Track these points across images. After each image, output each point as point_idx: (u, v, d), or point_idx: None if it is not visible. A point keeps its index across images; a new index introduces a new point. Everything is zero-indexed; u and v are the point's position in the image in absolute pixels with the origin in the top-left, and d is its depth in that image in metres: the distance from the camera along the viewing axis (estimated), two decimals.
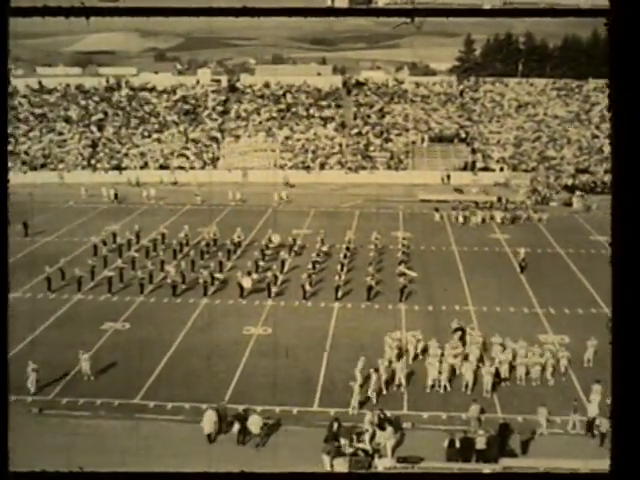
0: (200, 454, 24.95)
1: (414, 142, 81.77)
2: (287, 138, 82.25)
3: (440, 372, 30.37)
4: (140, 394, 30.01)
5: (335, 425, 25.74)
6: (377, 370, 29.54)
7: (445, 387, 30.26)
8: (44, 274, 42.53)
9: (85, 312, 39.24)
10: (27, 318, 38.29)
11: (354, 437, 25.44)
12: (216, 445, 26.35)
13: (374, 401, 28.69)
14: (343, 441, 25.08)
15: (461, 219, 58.92)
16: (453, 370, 31.07)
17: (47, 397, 29.75)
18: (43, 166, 78.37)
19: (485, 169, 77.17)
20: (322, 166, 77.45)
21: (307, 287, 41.11)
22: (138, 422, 27.89)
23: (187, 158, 79.10)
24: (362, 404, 28.67)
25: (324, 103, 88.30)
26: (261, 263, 45.50)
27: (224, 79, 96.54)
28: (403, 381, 30.34)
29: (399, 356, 32.13)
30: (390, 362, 31.32)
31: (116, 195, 66.24)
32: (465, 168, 77.16)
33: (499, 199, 65.05)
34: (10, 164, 76.68)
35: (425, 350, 32.76)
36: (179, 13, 6.25)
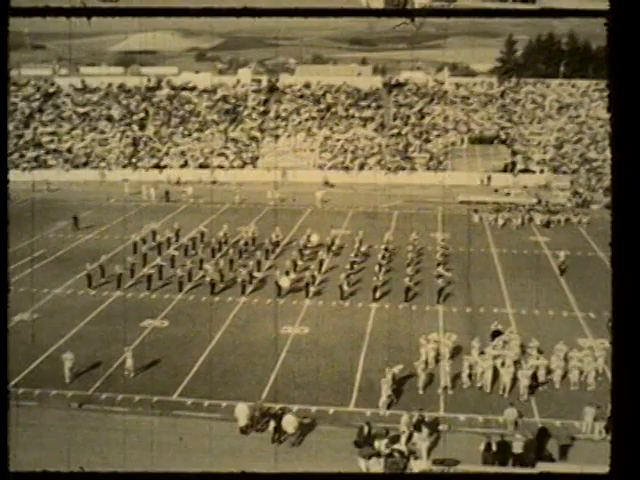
0: (235, 452, 25.12)
1: (454, 143, 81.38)
2: (326, 138, 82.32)
3: (482, 373, 30.35)
4: (178, 391, 30.26)
5: (366, 428, 25.70)
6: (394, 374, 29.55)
7: (483, 387, 30.12)
8: (85, 271, 43.08)
9: (124, 309, 39.60)
10: (68, 314, 38.91)
11: (389, 438, 25.40)
12: (251, 443, 26.48)
13: (385, 411, 28.45)
14: (377, 443, 25.05)
15: (501, 221, 58.51)
16: (492, 372, 30.89)
17: (86, 392, 30.12)
18: (85, 164, 79.31)
19: (525, 171, 76.53)
20: (361, 166, 77.41)
21: (345, 287, 41.12)
22: (175, 419, 28.16)
23: (227, 157, 79.51)
24: (389, 406, 28.64)
25: (364, 103, 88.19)
26: (299, 263, 45.59)
27: (264, 79, 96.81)
28: (449, 383, 30.23)
29: (437, 358, 32.02)
30: (426, 364, 31.27)
31: (167, 193, 66.71)
32: (505, 170, 76.60)
33: (539, 201, 64.52)
34: (53, 162, 77.90)
35: (458, 352, 32.59)
36: (179, 13, 6.29)
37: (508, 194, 68.15)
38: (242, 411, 27.13)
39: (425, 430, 25.84)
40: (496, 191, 69.49)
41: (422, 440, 25.60)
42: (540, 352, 31.79)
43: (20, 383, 31.03)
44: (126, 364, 31.38)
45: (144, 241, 49.56)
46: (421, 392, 29.95)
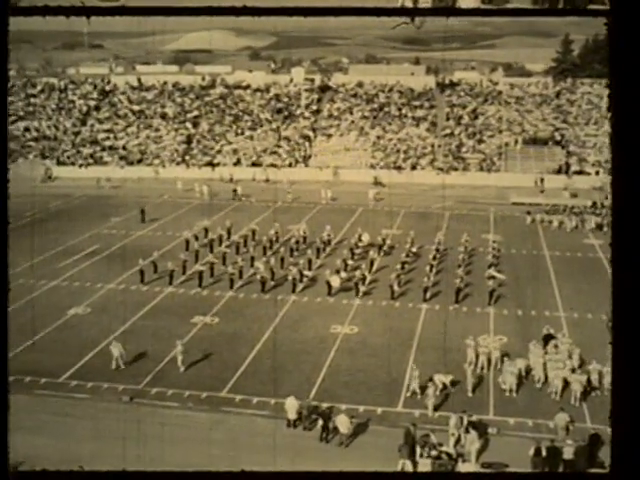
0: (283, 449, 25.19)
1: (507, 144, 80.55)
2: (379, 138, 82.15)
3: (534, 377, 30.14)
4: (227, 387, 30.47)
5: (412, 429, 25.57)
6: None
7: (534, 391, 29.83)
8: (138, 266, 43.62)
9: (176, 305, 40.05)
10: (120, 309, 39.41)
11: (435, 440, 25.26)
12: (299, 441, 26.55)
13: (431, 414, 28.21)
14: (423, 446, 24.91)
15: (556, 223, 57.75)
16: (544, 377, 30.58)
17: (138, 386, 30.50)
18: (140, 161, 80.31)
19: (580, 173, 75.42)
20: (413, 166, 77.06)
21: (395, 287, 41.00)
22: (224, 415, 28.36)
23: (279, 156, 79.80)
24: (437, 408, 28.48)
25: (417, 103, 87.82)
26: (350, 262, 45.55)
27: (317, 78, 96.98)
28: (510, 386, 29.98)
29: (489, 360, 31.78)
30: (475, 366, 31.07)
31: (235, 191, 67.00)
32: (559, 171, 75.59)
33: (594, 204, 63.48)
34: (109, 159, 79.00)
35: (506, 356, 32.25)
36: (179, 13, 6.31)
37: (561, 196, 67.23)
38: (292, 405, 27.30)
39: (473, 433, 25.65)
40: (542, 192, 68.58)
41: (471, 443, 25.41)
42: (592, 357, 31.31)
43: (73, 376, 31.58)
44: (178, 360, 31.65)
45: (196, 238, 49.97)
46: (470, 394, 29.73)
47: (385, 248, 49.51)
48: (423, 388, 29.14)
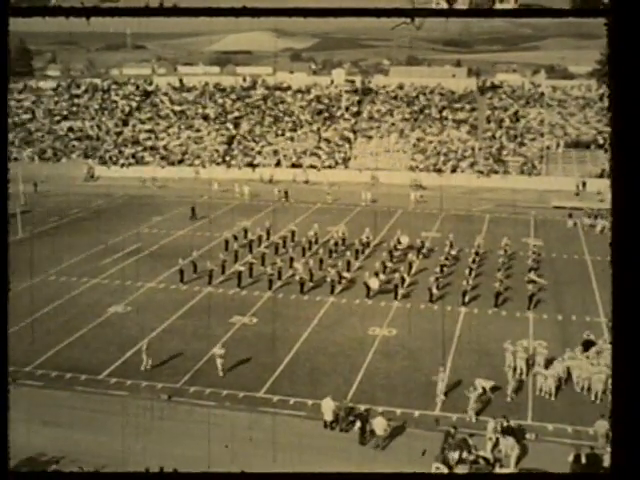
0: (319, 451, 25.23)
1: (549, 147, 79.82)
2: (419, 140, 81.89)
3: (575, 383, 29.93)
4: (264, 388, 30.57)
5: (452, 432, 25.44)
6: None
7: (575, 397, 29.53)
8: (177, 266, 43.95)
9: (214, 305, 40.23)
10: (160, 307, 39.78)
11: (472, 444, 25.10)
12: (335, 442, 26.55)
13: (473, 419, 27.95)
14: (460, 450, 24.76)
15: (598, 227, 57.05)
16: (586, 383, 30.27)
17: (176, 385, 30.73)
18: (180, 161, 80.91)
19: None
20: (453, 169, 76.71)
21: (434, 290, 40.83)
22: (261, 415, 28.46)
23: (319, 157, 79.90)
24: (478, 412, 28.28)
25: (458, 105, 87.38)
26: (389, 264, 45.45)
27: (358, 80, 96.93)
28: (553, 391, 29.75)
29: (528, 365, 31.52)
30: (514, 370, 30.85)
31: (286, 193, 67.03)
32: (602, 175, 74.68)
33: None
34: (150, 158, 79.74)
35: (551, 361, 31.91)
36: (179, 13, 6.33)
37: (603, 200, 66.41)
38: (329, 406, 27.31)
39: (511, 438, 25.44)
40: (577, 195, 67.81)
41: (510, 448, 25.21)
42: None
43: (113, 373, 31.92)
44: (217, 364, 31.65)
45: (236, 238, 50.21)
46: (509, 399, 29.49)
47: (424, 251, 49.33)
48: (450, 391, 29.08)
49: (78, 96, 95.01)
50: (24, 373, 32.08)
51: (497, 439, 25.70)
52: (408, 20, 6.09)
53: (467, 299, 40.45)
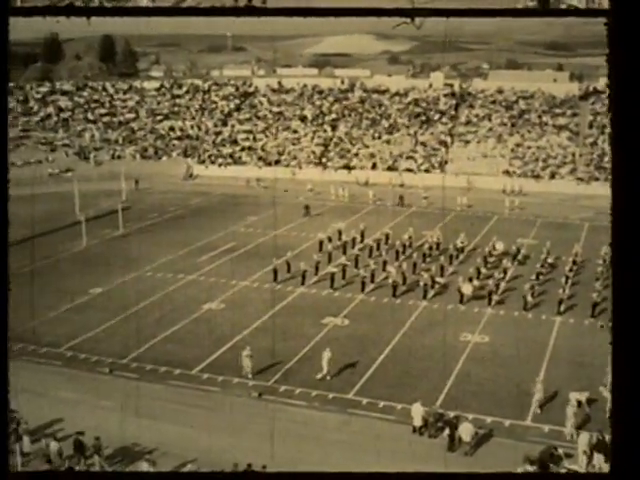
0: (406, 455, 25.10)
1: None
2: (517, 145, 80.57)
3: None
4: (354, 390, 30.58)
5: (552, 450, 24.86)
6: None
7: None
8: (271, 265, 44.42)
9: (307, 305, 40.52)
10: (253, 306, 40.27)
11: (564, 457, 24.54)
12: (423, 448, 26.34)
13: (574, 435, 27.15)
14: (550, 462, 24.24)
15: None
16: None
17: (267, 383, 31.03)
18: (277, 162, 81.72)
19: None
20: (552, 175, 75.19)
21: (529, 298, 40.11)
22: (350, 417, 28.48)
23: (415, 161, 79.49)
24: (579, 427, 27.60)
25: (558, 111, 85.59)
26: (483, 270, 44.87)
27: (456, 83, 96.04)
28: None
29: None
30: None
31: (401, 198, 66.90)
32: None
33: None
34: (247, 159, 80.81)
35: None
36: (178, 13, 6.32)
37: None
38: (418, 411, 27.14)
39: (603, 453, 24.73)
40: None
41: (602, 464, 24.53)
42: None
43: (206, 368, 32.47)
44: (323, 368, 31.70)
45: (330, 239, 50.44)
46: (608, 413, 28.66)
47: (520, 257, 48.48)
48: (546, 403, 28.48)
49: (180, 96, 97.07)
50: (120, 365, 32.96)
51: (591, 453, 25.05)
52: (408, 20, 6.03)
53: (563, 308, 39.59)
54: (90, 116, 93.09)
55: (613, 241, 4.82)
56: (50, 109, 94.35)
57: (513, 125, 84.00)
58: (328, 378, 31.35)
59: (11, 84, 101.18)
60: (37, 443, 25.65)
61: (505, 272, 44.74)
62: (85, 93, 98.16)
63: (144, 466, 23.57)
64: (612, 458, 4.85)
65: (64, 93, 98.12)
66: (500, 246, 49.09)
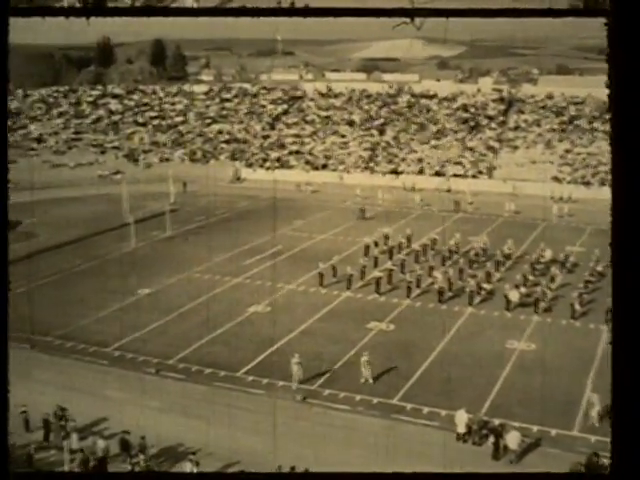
0: (449, 463, 24.92)
1: None
2: (567, 151, 79.70)
3: None
4: (398, 395, 30.49)
5: (594, 459, 24.52)
6: None
7: None
8: (317, 269, 44.52)
9: (352, 309, 40.52)
10: (299, 309, 40.41)
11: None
12: (467, 455, 26.16)
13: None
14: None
15: None
16: None
17: (311, 387, 31.09)
18: (324, 166, 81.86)
19: None
20: (602, 182, 74.17)
21: (577, 306, 39.62)
22: (393, 422, 28.40)
23: (463, 166, 79.05)
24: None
25: (610, 117, 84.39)
26: (530, 277, 44.42)
27: (505, 88, 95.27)
28: None
29: None
30: None
31: (457, 203, 66.58)
32: None
33: None
34: (294, 163, 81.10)
35: None
36: (178, 13, 6.33)
37: None
38: (462, 418, 26.98)
39: None
40: None
41: None
42: None
43: (250, 371, 32.66)
44: (363, 373, 31.75)
45: (376, 244, 50.36)
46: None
47: (568, 265, 47.95)
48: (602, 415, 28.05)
49: (228, 100, 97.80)
50: (166, 365, 33.31)
51: None
52: (408, 20, 6.03)
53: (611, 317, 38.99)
54: (140, 119, 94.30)
55: (613, 241, 4.81)
56: (101, 112, 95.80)
57: (563, 131, 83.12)
58: (370, 382, 31.33)
59: (65, 87, 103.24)
60: (84, 441, 26.02)
61: (553, 280, 44.23)
62: (135, 96, 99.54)
63: (187, 466, 23.79)
64: (612, 458, 4.83)
65: (115, 96, 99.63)
66: (548, 253, 48.56)
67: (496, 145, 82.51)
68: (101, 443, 25.45)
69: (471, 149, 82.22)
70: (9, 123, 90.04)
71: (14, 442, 26.65)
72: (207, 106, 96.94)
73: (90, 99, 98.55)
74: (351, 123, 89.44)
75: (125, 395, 30.29)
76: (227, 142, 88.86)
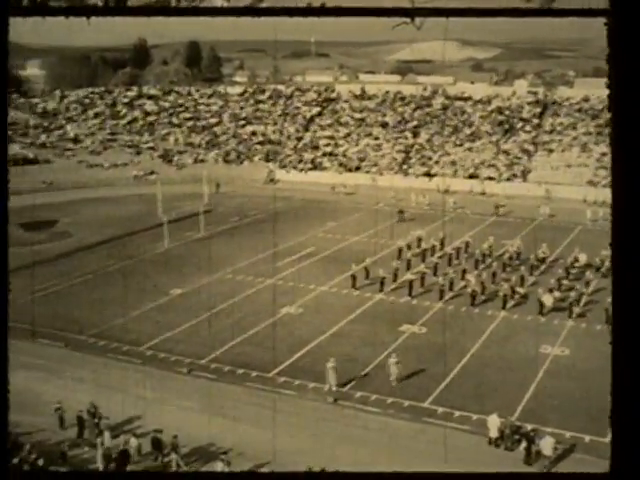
0: (481, 467, 24.80)
1: None
2: (603, 155, 78.86)
3: None
4: (430, 398, 30.39)
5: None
6: None
7: None
8: (350, 271, 44.51)
9: (385, 312, 40.44)
10: (331, 311, 40.45)
11: None
12: (498, 460, 25.99)
13: None
14: None
15: None
16: None
17: (342, 389, 31.09)
18: (358, 168, 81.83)
19: None
20: None
21: (611, 312, 39.17)
22: (425, 426, 28.31)
23: (497, 169, 78.58)
24: None
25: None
26: (565, 282, 44.02)
27: (541, 91, 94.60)
28: None
29: None
30: None
31: (497, 207, 65.72)
32: None
33: None
34: (328, 164, 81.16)
35: None
36: (178, 13, 6.29)
37: None
38: (494, 422, 26.81)
39: None
40: None
41: None
42: None
43: (282, 372, 32.73)
44: (390, 372, 31.73)
45: (409, 247, 50.26)
46: None
47: (603, 270, 47.42)
48: None
49: (262, 101, 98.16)
50: (198, 365, 33.50)
51: None
52: (408, 20, 5.98)
53: None
54: (175, 120, 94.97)
55: (613, 241, 4.77)
56: (137, 113, 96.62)
57: (599, 134, 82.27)
58: (394, 384, 31.30)
59: (101, 88, 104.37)
60: (117, 439, 26.24)
61: (588, 284, 43.81)
62: (170, 97, 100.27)
63: (219, 466, 23.90)
64: (612, 458, 4.78)
65: (150, 97, 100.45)
66: (583, 257, 48.11)
67: (531, 148, 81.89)
68: (134, 441, 25.67)
69: (506, 152, 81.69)
70: (46, 124, 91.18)
71: (49, 439, 27.06)
72: (241, 107, 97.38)
73: (126, 100, 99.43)
74: (385, 125, 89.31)
75: (157, 394, 30.51)
76: (261, 143, 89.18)
